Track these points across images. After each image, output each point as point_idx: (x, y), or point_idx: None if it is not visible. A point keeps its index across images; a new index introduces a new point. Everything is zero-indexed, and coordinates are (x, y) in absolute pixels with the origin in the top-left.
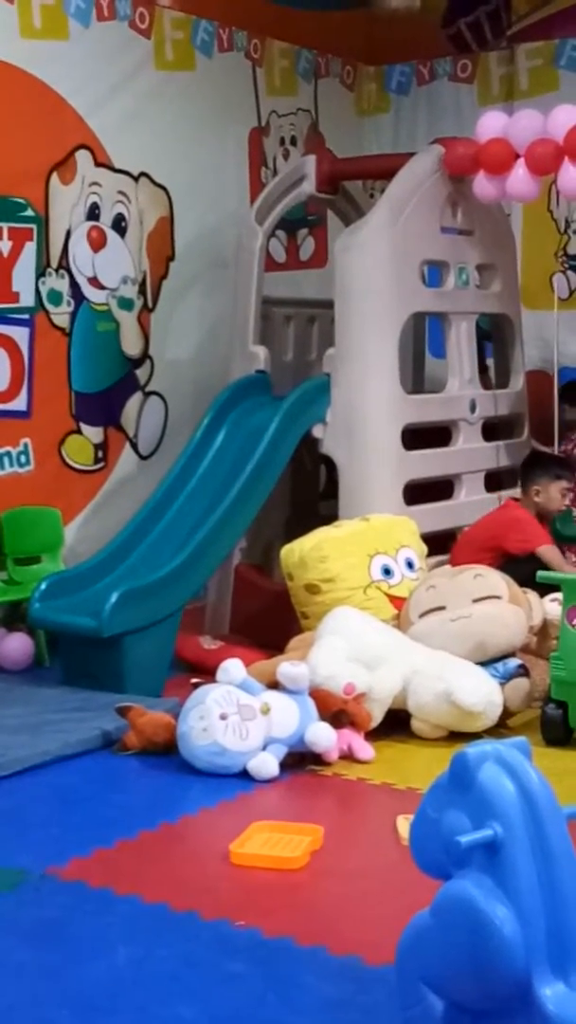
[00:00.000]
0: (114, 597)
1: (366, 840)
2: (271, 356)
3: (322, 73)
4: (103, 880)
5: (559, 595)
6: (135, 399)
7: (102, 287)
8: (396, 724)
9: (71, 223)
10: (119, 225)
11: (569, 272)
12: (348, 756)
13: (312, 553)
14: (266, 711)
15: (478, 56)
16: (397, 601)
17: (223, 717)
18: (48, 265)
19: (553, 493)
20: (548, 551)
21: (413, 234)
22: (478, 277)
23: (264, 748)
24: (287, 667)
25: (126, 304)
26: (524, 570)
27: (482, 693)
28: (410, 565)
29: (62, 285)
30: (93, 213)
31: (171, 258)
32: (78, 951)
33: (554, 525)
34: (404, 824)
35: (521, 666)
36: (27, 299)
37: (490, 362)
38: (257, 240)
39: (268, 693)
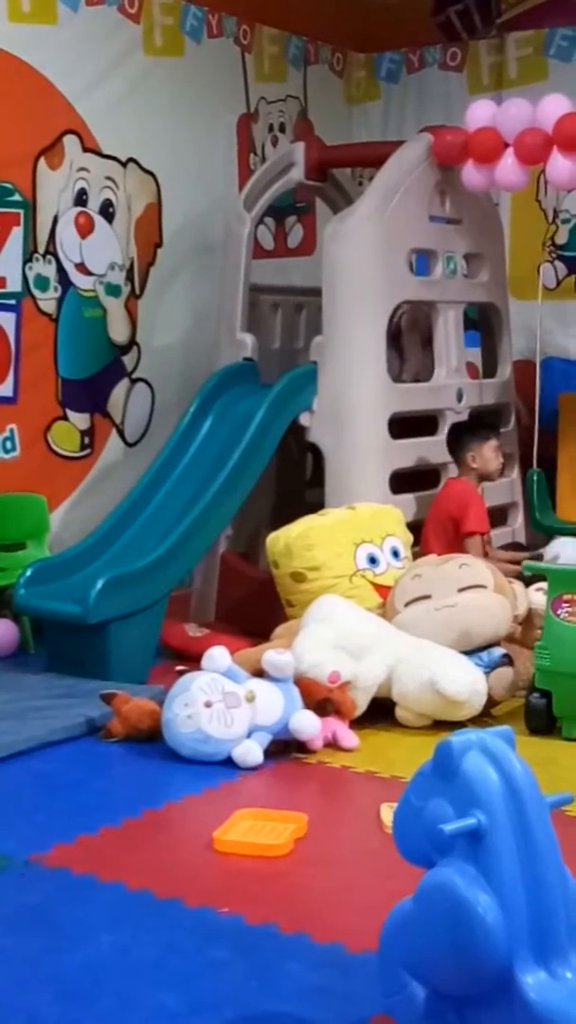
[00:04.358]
0: (99, 584)
1: (350, 828)
2: (258, 344)
3: (312, 60)
4: (87, 867)
5: (544, 585)
6: (122, 386)
7: (89, 273)
8: (380, 712)
9: (58, 208)
10: (107, 211)
11: (557, 262)
12: (332, 744)
13: (298, 541)
14: (251, 699)
15: (467, 45)
16: (382, 590)
17: (208, 704)
18: (35, 250)
19: (487, 454)
20: (475, 541)
21: (401, 222)
22: (466, 266)
23: (249, 736)
24: (272, 655)
25: (113, 290)
26: None
27: (466, 682)
28: (396, 554)
29: (49, 271)
30: (81, 199)
31: (159, 244)
32: (61, 937)
33: (533, 515)
34: (388, 812)
35: (505, 655)
36: (14, 284)
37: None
38: (245, 227)
39: (253, 681)
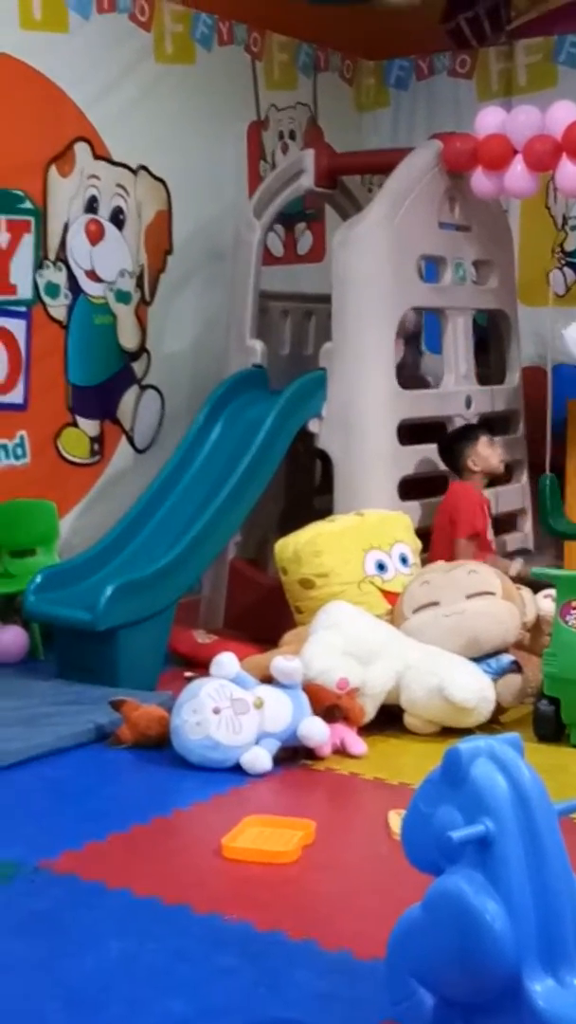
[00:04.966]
0: (109, 590)
1: (358, 835)
2: (268, 350)
3: (321, 67)
4: (95, 873)
5: (553, 591)
6: (132, 392)
7: (100, 280)
8: (389, 719)
9: (69, 216)
10: (117, 218)
11: (566, 268)
12: (341, 751)
13: (306, 548)
14: (259, 705)
15: (477, 51)
16: (391, 596)
17: (216, 711)
18: (46, 258)
19: (483, 452)
20: (463, 544)
21: (411, 229)
22: (475, 273)
23: (257, 742)
24: (281, 661)
25: (123, 297)
26: None
27: (475, 689)
28: (404, 560)
29: (59, 278)
30: (91, 206)
31: (169, 252)
32: (69, 944)
33: (546, 520)
34: (396, 819)
35: (514, 662)
36: (24, 291)
37: None
38: (255, 234)
39: (261, 687)
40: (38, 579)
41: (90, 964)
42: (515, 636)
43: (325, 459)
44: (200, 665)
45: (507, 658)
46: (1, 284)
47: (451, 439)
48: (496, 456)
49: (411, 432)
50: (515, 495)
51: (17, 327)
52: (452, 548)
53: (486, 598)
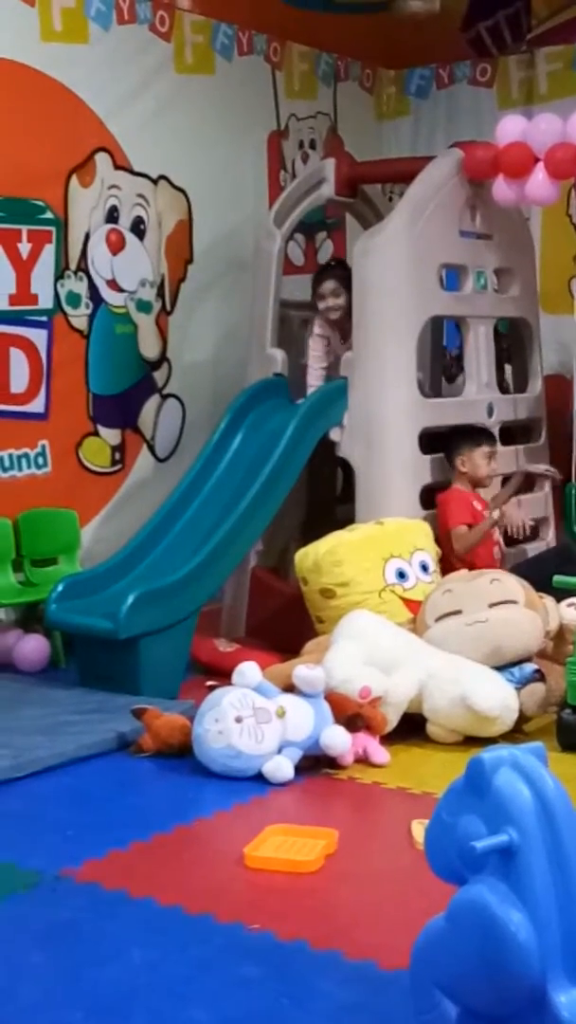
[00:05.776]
0: (130, 599)
1: (381, 844)
2: (288, 359)
3: (342, 77)
4: (117, 882)
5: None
6: (152, 401)
7: (120, 290)
8: (411, 728)
9: (90, 226)
10: (138, 228)
11: None
12: (363, 760)
13: (326, 557)
14: (281, 714)
15: (497, 60)
16: (412, 605)
17: (238, 720)
18: (67, 267)
19: (477, 460)
20: (458, 530)
21: (432, 238)
22: (496, 281)
23: (279, 751)
24: (303, 670)
25: (144, 307)
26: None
27: (498, 698)
28: (424, 569)
29: (80, 287)
30: (112, 216)
31: (189, 261)
32: (92, 953)
33: (570, 528)
34: (419, 828)
35: (537, 671)
36: (46, 301)
37: None
38: (275, 243)
39: (283, 696)
40: (60, 588)
41: (113, 973)
42: (538, 645)
43: (346, 468)
44: (222, 674)
45: (530, 667)
46: (22, 294)
47: (456, 434)
48: (486, 468)
49: (433, 441)
50: (538, 503)
51: (38, 337)
52: (448, 546)
53: (509, 607)
